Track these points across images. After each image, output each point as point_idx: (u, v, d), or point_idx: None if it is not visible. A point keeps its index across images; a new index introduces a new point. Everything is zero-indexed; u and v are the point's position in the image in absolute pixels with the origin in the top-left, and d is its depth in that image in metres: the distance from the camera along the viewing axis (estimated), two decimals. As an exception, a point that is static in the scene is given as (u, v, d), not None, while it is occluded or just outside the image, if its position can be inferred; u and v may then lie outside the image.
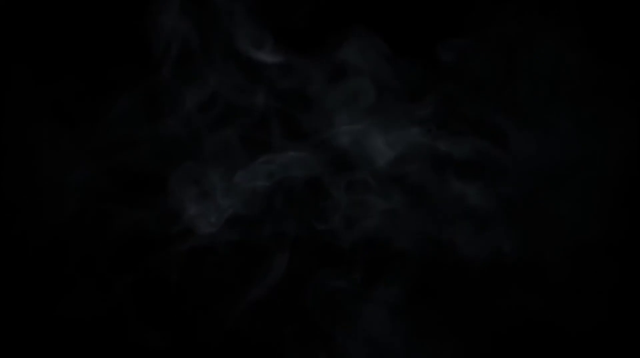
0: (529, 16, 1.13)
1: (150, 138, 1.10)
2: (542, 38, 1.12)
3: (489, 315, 1.11)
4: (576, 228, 1.11)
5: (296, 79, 1.09)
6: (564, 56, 1.12)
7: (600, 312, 1.12)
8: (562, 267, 1.12)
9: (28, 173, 1.12)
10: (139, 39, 1.08)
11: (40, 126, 1.12)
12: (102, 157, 1.11)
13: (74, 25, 1.12)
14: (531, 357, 1.12)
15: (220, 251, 1.09)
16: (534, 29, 1.12)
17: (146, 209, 1.09)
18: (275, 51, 1.08)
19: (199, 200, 1.08)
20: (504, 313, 1.11)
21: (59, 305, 1.10)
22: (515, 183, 1.10)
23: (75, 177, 1.11)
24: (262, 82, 1.09)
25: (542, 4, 1.12)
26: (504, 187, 1.09)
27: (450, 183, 1.09)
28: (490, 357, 1.12)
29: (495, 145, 1.09)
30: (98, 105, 1.11)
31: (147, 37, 1.08)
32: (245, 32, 1.08)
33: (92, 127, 1.11)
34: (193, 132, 1.09)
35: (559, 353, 1.12)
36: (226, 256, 1.10)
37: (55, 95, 1.12)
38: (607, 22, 1.13)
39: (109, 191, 1.11)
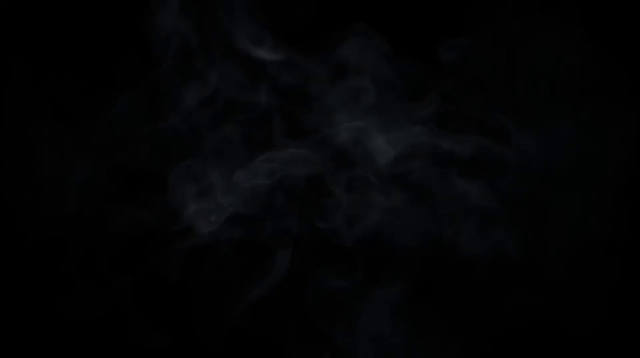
0: (529, 16, 1.13)
1: (151, 136, 1.10)
2: (543, 37, 1.12)
3: (489, 315, 1.11)
4: (576, 228, 1.11)
5: (297, 77, 1.09)
6: (565, 55, 1.12)
7: (600, 312, 1.12)
8: (563, 267, 1.12)
9: (28, 172, 1.11)
10: (139, 37, 1.08)
11: (40, 125, 1.12)
12: (102, 156, 1.11)
13: (74, 23, 1.12)
14: (531, 357, 1.12)
15: (220, 250, 1.09)
16: (534, 29, 1.13)
17: (146, 207, 1.09)
18: (276, 48, 1.08)
19: (199, 199, 1.08)
20: (504, 313, 1.11)
21: (59, 305, 1.10)
22: (515, 182, 1.10)
23: (75, 175, 1.10)
24: (262, 80, 1.09)
25: (543, 4, 1.13)
26: (505, 186, 1.10)
27: (450, 182, 1.09)
28: (490, 357, 1.12)
29: (496, 144, 1.09)
30: (98, 103, 1.11)
31: (147, 34, 1.08)
32: (246, 29, 1.08)
33: (92, 126, 1.11)
34: (193, 131, 1.09)
35: (559, 353, 1.12)
36: (226, 255, 1.10)
37: (55, 93, 1.11)
38: (607, 21, 1.13)
39: (109, 189, 1.10)
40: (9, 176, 1.12)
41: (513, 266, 1.10)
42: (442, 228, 1.09)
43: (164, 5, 1.07)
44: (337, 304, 1.10)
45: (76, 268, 1.10)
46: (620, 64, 1.13)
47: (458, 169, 1.09)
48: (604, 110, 1.12)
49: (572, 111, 1.12)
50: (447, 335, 1.12)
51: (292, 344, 1.11)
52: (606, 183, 1.12)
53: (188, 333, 1.11)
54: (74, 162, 1.11)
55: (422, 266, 1.10)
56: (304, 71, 1.09)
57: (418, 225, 1.09)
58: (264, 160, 1.08)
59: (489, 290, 1.11)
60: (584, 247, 1.11)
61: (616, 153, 1.12)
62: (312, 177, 1.09)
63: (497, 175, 1.10)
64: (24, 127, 1.12)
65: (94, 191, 1.11)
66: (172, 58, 1.08)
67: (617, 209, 1.12)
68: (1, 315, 1.11)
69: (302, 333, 1.11)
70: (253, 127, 1.09)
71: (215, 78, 1.08)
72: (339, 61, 1.09)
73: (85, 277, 1.10)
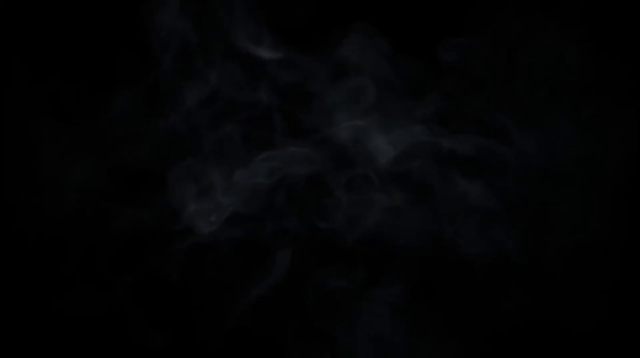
0: (529, 16, 1.13)
1: (151, 136, 1.09)
2: (543, 37, 1.12)
3: (489, 315, 1.11)
4: (576, 228, 1.11)
5: (297, 76, 1.09)
6: (565, 55, 1.12)
7: (600, 312, 1.12)
8: (562, 267, 1.12)
9: (27, 172, 1.11)
10: (139, 37, 1.08)
11: (39, 125, 1.12)
12: (102, 156, 1.11)
13: (74, 23, 1.12)
14: (531, 357, 1.12)
15: (220, 250, 1.09)
16: (534, 29, 1.13)
17: (146, 207, 1.09)
18: (276, 48, 1.08)
19: (199, 198, 1.08)
20: (504, 313, 1.11)
21: (59, 305, 1.10)
22: (515, 182, 1.10)
23: (75, 175, 1.10)
24: (262, 80, 1.09)
25: (543, 4, 1.13)
26: (505, 186, 1.10)
27: (451, 182, 1.09)
28: (490, 357, 1.12)
29: (496, 144, 1.09)
30: (98, 103, 1.11)
31: (147, 34, 1.08)
32: (246, 29, 1.08)
33: (92, 126, 1.11)
34: (193, 130, 1.09)
35: (559, 353, 1.12)
36: (226, 254, 1.09)
37: (55, 93, 1.11)
38: (607, 21, 1.13)
39: (109, 189, 1.10)
40: (9, 176, 1.12)
41: (513, 266, 1.10)
42: (442, 228, 1.09)
43: (164, 5, 1.07)
44: (337, 304, 1.10)
45: (76, 268, 1.10)
46: (620, 64, 1.13)
47: (458, 169, 1.09)
48: (604, 110, 1.12)
49: (572, 111, 1.12)
50: (447, 335, 1.11)
51: (292, 344, 1.11)
52: (606, 183, 1.12)
53: (188, 333, 1.11)
54: (74, 162, 1.11)
55: (422, 266, 1.10)
56: (304, 71, 1.08)
57: (418, 224, 1.09)
58: (264, 160, 1.08)
59: (489, 290, 1.11)
60: (584, 247, 1.11)
61: (616, 153, 1.12)
62: (312, 177, 1.09)
63: (497, 175, 1.09)
64: (24, 127, 1.12)
65: (94, 191, 1.10)
66: (172, 58, 1.08)
67: (617, 209, 1.12)
68: (1, 315, 1.11)
69: (302, 333, 1.10)
70: (253, 127, 1.09)
71: (215, 78, 1.08)
72: (339, 60, 1.09)
73: (85, 277, 1.10)
